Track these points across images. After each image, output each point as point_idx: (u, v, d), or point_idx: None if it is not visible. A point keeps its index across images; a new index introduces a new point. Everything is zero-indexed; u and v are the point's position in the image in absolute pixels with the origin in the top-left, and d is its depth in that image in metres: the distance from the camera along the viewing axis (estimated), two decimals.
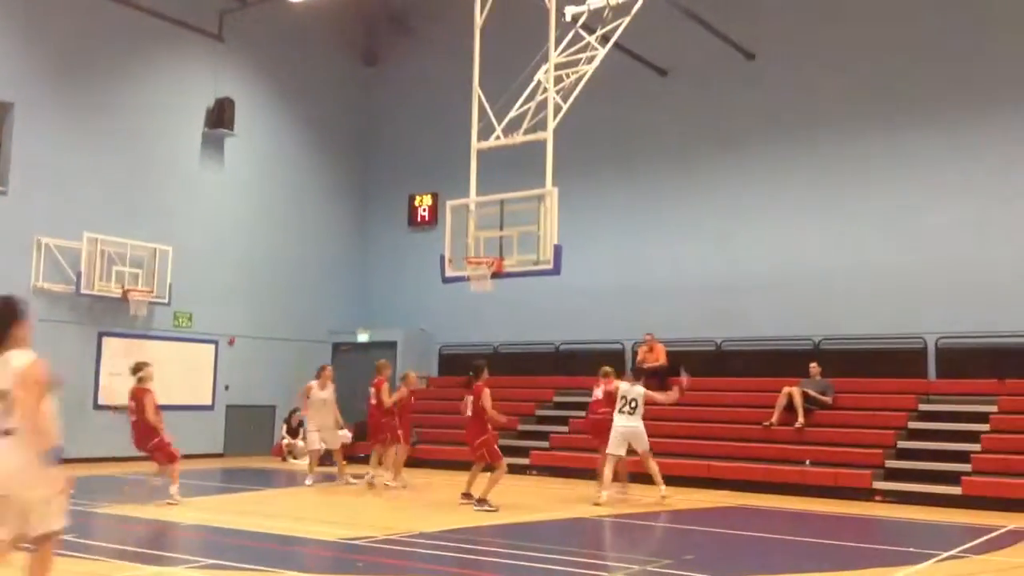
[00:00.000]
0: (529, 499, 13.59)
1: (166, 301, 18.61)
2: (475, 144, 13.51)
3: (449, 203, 13.84)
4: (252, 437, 20.15)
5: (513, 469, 16.83)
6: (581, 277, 18.35)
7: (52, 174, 17.38)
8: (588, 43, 13.94)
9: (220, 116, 19.78)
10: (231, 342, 20.10)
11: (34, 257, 17.00)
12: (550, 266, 12.46)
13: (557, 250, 12.41)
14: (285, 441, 19.40)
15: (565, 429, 17.61)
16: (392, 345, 21.37)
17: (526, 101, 13.71)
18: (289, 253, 21.44)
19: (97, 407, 17.57)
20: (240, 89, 20.39)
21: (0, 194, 16.88)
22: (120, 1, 17.88)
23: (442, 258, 13.44)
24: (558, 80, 13.52)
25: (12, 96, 16.99)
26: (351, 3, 21.74)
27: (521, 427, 18.22)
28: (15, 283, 16.65)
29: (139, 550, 8.42)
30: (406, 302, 21.92)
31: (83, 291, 17.39)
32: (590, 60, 13.73)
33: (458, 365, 21.09)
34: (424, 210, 22.24)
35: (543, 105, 13.19)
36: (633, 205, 19.40)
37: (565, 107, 13.25)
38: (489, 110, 13.47)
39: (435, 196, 21.72)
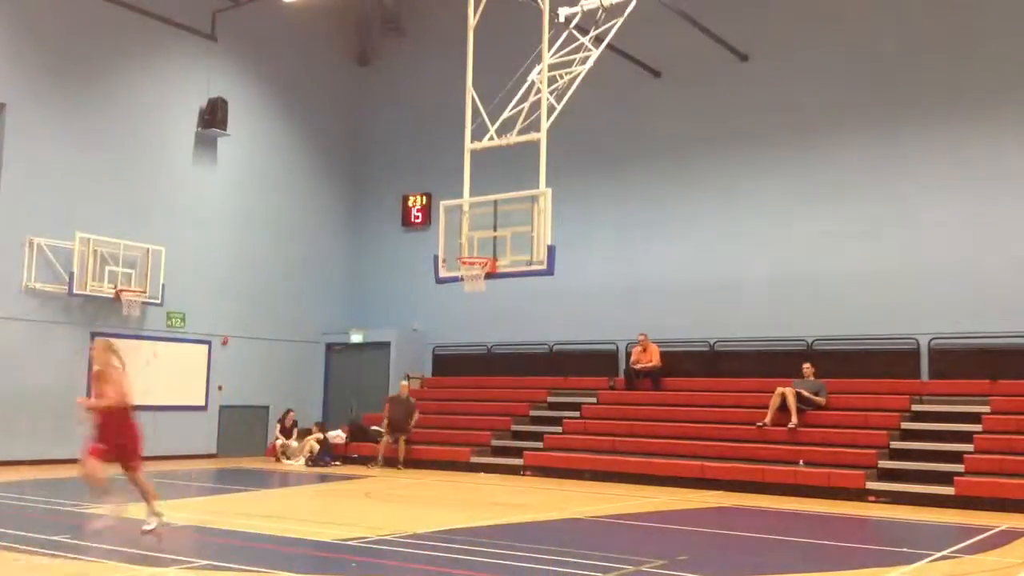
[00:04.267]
0: (523, 499, 13.59)
1: (159, 301, 18.56)
2: (469, 144, 13.50)
3: (443, 203, 13.83)
4: (246, 438, 20.12)
5: (506, 470, 16.88)
6: (575, 277, 18.39)
7: (44, 174, 17.32)
8: (582, 44, 13.96)
9: (213, 116, 19.74)
10: (224, 342, 20.06)
11: (26, 257, 16.94)
12: (544, 267, 12.46)
13: (551, 250, 12.42)
14: (279, 442, 19.36)
15: (559, 430, 17.61)
16: (385, 345, 21.37)
17: (520, 102, 13.72)
18: (282, 253, 21.41)
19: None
20: (233, 89, 20.35)
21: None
22: (113, 1, 17.83)
23: (435, 258, 13.43)
24: (552, 81, 13.53)
25: (4, 96, 16.93)
26: (344, 3, 21.73)
27: (515, 427, 18.22)
28: (7, 283, 16.62)
29: (131, 551, 8.39)
30: (399, 302, 21.90)
31: (75, 291, 17.34)
32: (584, 61, 13.75)
33: (452, 365, 21.10)
34: (417, 210, 22.22)
35: (537, 106, 13.20)
36: (627, 206, 19.41)
37: (559, 108, 13.26)
38: (482, 110, 13.46)
39: (428, 196, 21.72)
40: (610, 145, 19.63)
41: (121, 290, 17.88)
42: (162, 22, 18.79)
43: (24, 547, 8.34)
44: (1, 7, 16.97)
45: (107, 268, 17.81)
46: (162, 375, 18.82)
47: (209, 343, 19.85)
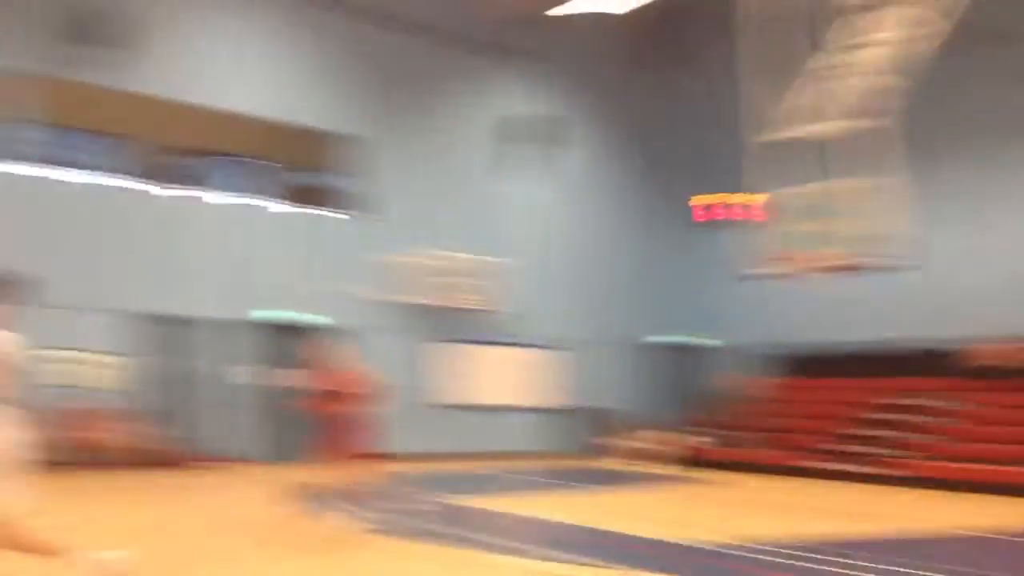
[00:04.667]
0: (877, 509, 12.80)
1: (501, 309, 19.71)
2: (752, 138, 13.11)
3: (769, 197, 13.47)
4: (583, 438, 20.80)
5: (851, 477, 15.79)
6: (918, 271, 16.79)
7: (398, 198, 19.10)
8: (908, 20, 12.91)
9: (545, 134, 20.80)
10: (559, 349, 20.88)
11: (384, 272, 18.55)
12: (890, 261, 11.70)
13: (894, 243, 11.62)
14: (613, 442, 19.75)
15: (906, 435, 16.19)
16: (714, 349, 21.24)
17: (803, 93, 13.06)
18: (608, 263, 22.22)
19: (432, 407, 18.81)
20: (545, 106, 21.33)
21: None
22: (442, 43, 19.69)
23: (761, 257, 13.11)
24: (843, 67, 12.71)
25: (367, 131, 19.04)
26: (629, 15, 21.61)
27: (861, 432, 16.91)
28: (368, 297, 18.44)
29: (496, 541, 8.91)
30: (719, 304, 21.45)
31: (424, 302, 18.83)
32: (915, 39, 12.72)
33: (783, 366, 20.18)
34: (747, 208, 21.29)
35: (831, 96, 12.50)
36: (981, 191, 17.63)
37: (877, 92, 12.42)
38: (770, 103, 12.97)
39: (739, 195, 20.78)
40: (951, 127, 17.74)
41: (466, 300, 19.20)
42: (489, 49, 20.31)
43: (398, 535, 9.15)
44: (359, 57, 19.13)
45: (454, 280, 19.10)
46: (504, 378, 20.09)
47: (547, 348, 20.74)
